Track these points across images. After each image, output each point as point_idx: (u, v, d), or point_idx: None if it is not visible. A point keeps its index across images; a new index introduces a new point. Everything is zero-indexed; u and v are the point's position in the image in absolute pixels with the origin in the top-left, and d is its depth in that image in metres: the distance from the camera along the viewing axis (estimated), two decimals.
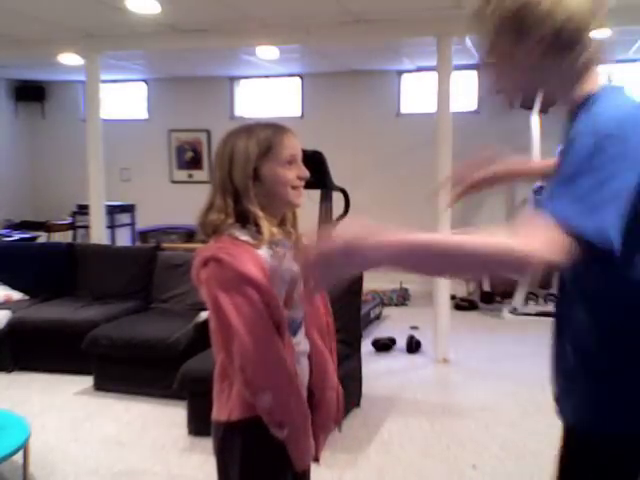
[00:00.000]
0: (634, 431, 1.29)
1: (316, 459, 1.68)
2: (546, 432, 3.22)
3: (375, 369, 4.68)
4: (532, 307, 6.29)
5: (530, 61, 1.32)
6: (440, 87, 4.97)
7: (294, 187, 1.65)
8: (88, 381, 4.36)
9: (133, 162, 8.42)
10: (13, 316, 4.69)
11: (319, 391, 1.74)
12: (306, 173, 1.68)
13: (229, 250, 1.54)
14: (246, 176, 1.59)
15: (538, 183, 6.19)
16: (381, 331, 5.72)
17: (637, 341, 1.28)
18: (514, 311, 6.29)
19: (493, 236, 1.15)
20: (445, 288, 5.08)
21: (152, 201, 8.22)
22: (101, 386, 4.31)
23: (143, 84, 8.45)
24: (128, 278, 5.10)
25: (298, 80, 7.91)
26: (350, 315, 3.93)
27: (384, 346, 5.24)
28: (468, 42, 5.51)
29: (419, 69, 7.29)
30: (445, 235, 1.19)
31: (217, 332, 1.59)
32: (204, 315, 4.06)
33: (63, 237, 7.55)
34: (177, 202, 8.03)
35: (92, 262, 5.29)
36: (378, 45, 6.19)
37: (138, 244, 7.77)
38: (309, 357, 1.74)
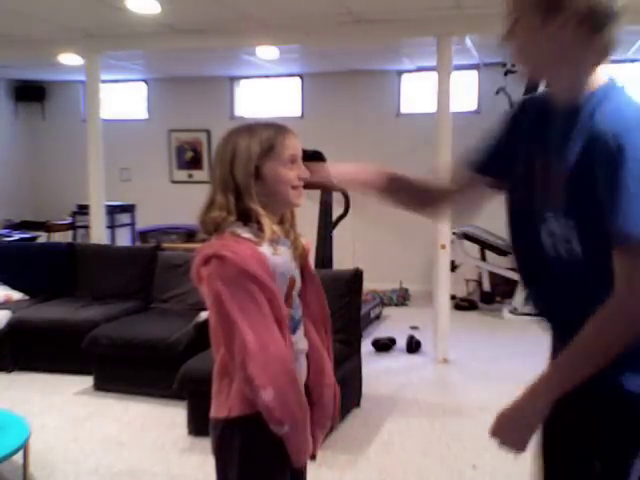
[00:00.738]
0: None
1: (313, 456, 1.69)
2: None
3: (375, 369, 4.68)
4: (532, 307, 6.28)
5: (557, 38, 1.30)
6: (440, 87, 4.97)
7: (294, 187, 1.66)
8: (88, 381, 4.36)
9: (133, 162, 8.42)
10: (13, 316, 4.69)
11: (316, 389, 1.75)
12: (306, 173, 1.69)
13: (232, 247, 1.54)
14: (248, 174, 1.60)
15: None
16: (381, 331, 5.72)
17: None
18: (514, 311, 6.29)
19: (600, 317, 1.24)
20: (445, 288, 5.08)
21: (152, 201, 8.22)
22: (101, 386, 4.31)
23: (143, 84, 8.45)
24: (128, 278, 5.10)
25: (298, 80, 7.91)
26: (350, 315, 3.92)
27: (384, 346, 5.24)
28: (468, 42, 5.51)
29: (419, 69, 7.29)
30: (568, 350, 1.29)
31: (218, 328, 1.59)
32: (204, 315, 4.05)
33: (63, 237, 7.55)
34: (177, 202, 8.03)
35: (92, 262, 5.29)
36: (378, 45, 6.19)
37: (138, 244, 7.77)
38: (307, 356, 1.75)
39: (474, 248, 6.81)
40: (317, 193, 5.23)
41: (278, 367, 1.54)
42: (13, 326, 4.64)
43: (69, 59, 6.16)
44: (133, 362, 4.22)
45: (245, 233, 1.59)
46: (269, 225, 1.59)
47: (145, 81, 8.41)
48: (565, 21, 1.28)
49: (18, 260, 5.43)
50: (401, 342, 5.31)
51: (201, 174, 8.19)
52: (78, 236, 7.61)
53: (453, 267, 6.06)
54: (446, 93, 4.95)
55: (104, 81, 6.17)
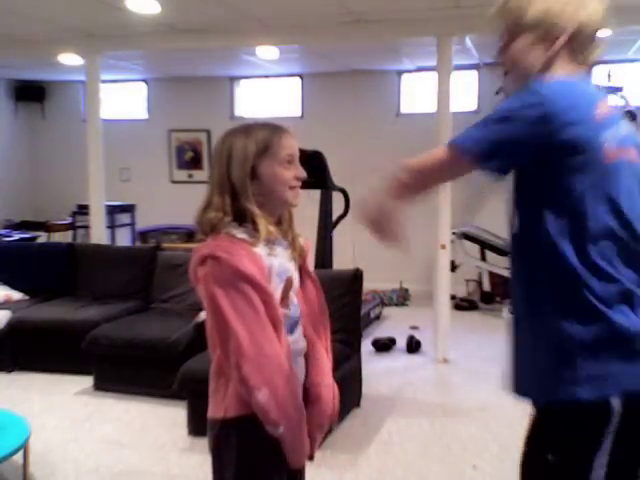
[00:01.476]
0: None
1: (311, 457, 1.69)
2: None
3: (375, 369, 4.68)
4: None
5: (544, 58, 1.47)
6: (440, 87, 4.97)
7: (291, 187, 1.65)
8: (88, 381, 4.36)
9: (133, 162, 8.42)
10: (13, 316, 4.69)
11: (315, 389, 1.74)
12: (303, 173, 1.68)
13: (227, 248, 1.54)
14: (244, 174, 1.60)
15: None
16: (381, 331, 5.72)
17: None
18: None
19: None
20: (445, 288, 5.09)
21: (152, 201, 8.22)
22: (101, 386, 4.31)
23: (143, 84, 8.45)
24: (128, 278, 5.10)
25: (298, 80, 7.91)
26: (350, 315, 3.92)
27: (384, 346, 5.24)
28: (468, 42, 5.51)
29: (419, 69, 7.29)
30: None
31: (214, 329, 1.59)
32: (204, 315, 4.04)
33: (63, 237, 7.55)
34: (177, 202, 8.02)
35: (92, 262, 5.29)
36: (378, 45, 6.19)
37: (138, 244, 7.77)
38: (306, 356, 1.75)
39: (474, 248, 6.80)
40: (317, 193, 5.23)
41: (273, 368, 1.54)
42: (13, 326, 4.64)
43: (69, 59, 6.16)
44: (133, 362, 4.22)
45: (240, 234, 1.59)
46: (264, 225, 1.59)
47: (145, 81, 8.41)
48: (551, 39, 1.45)
49: (18, 260, 5.43)
50: (401, 342, 5.31)
51: (201, 174, 8.19)
52: (78, 236, 7.61)
53: (453, 267, 6.06)
54: (446, 93, 4.95)
55: (104, 81, 6.17)
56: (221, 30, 5.41)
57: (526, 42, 1.49)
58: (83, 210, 6.76)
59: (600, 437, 1.34)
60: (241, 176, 1.60)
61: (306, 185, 1.73)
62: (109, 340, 4.24)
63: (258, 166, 1.61)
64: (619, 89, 5.92)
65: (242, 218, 1.60)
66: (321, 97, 7.78)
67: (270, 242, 1.62)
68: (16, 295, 5.17)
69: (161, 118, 8.36)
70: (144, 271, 5.09)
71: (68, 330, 4.52)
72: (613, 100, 5.69)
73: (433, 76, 5.27)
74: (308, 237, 1.86)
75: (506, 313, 6.44)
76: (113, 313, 4.71)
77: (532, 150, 1.35)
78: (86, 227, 6.53)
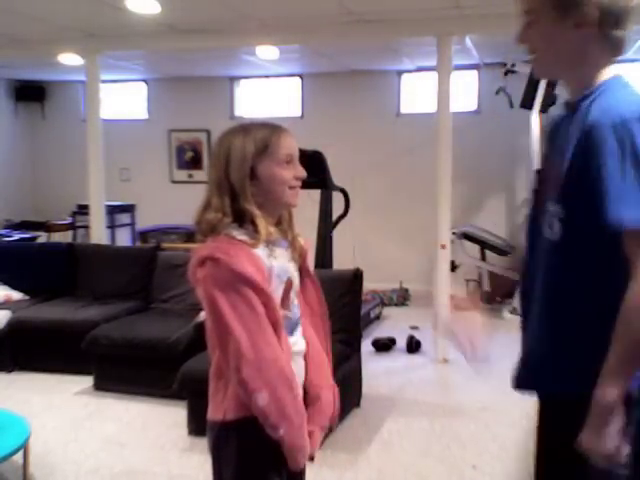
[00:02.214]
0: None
1: (311, 458, 1.68)
2: None
3: (375, 369, 4.68)
4: None
5: (571, 36, 1.36)
6: (440, 87, 4.97)
7: (291, 187, 1.64)
8: (88, 381, 4.36)
9: (133, 162, 8.42)
10: (13, 316, 4.69)
11: (315, 390, 1.74)
12: (303, 173, 1.67)
13: (226, 250, 1.53)
14: (243, 175, 1.59)
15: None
16: (381, 331, 5.72)
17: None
18: (514, 311, 6.28)
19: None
20: (445, 288, 5.08)
21: (152, 201, 8.22)
22: (101, 386, 4.31)
23: (143, 84, 8.44)
24: (128, 278, 5.10)
25: (298, 80, 7.91)
26: (350, 315, 3.92)
27: (384, 346, 5.24)
28: (468, 42, 5.51)
29: (419, 69, 7.29)
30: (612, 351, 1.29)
31: (213, 331, 1.59)
32: (204, 315, 4.05)
33: (63, 237, 7.55)
34: (177, 202, 8.02)
35: (92, 262, 5.29)
36: (378, 45, 6.19)
37: (138, 244, 7.77)
38: (305, 357, 1.74)
39: (474, 248, 6.80)
40: (317, 193, 5.23)
41: (273, 371, 1.53)
42: (13, 326, 4.64)
43: (69, 59, 6.16)
44: (133, 362, 4.22)
45: (240, 235, 1.58)
46: (264, 226, 1.58)
47: (145, 81, 8.41)
48: (580, 20, 1.33)
49: (18, 260, 5.43)
50: (401, 342, 5.31)
51: (201, 174, 8.18)
52: (78, 236, 7.61)
53: (453, 267, 6.06)
54: (446, 93, 4.95)
55: (104, 81, 6.18)
56: (221, 30, 5.41)
57: (554, 21, 1.38)
58: (83, 210, 6.77)
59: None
60: (240, 176, 1.58)
61: (306, 185, 1.72)
62: (109, 340, 4.24)
63: (257, 166, 1.60)
64: None
65: (242, 219, 1.59)
66: (321, 97, 7.78)
67: (270, 243, 1.61)
68: (16, 295, 5.16)
69: (161, 118, 8.36)
70: (144, 271, 5.09)
71: (68, 330, 4.52)
72: None
73: (433, 76, 5.27)
74: (308, 237, 1.85)
75: (506, 313, 6.47)
76: (113, 313, 4.70)
77: None
78: (86, 227, 6.53)
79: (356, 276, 3.99)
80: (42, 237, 7.55)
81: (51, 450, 3.43)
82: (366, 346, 4.92)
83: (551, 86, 6.15)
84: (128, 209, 7.93)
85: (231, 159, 1.59)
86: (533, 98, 6.18)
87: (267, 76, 7.90)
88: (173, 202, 8.11)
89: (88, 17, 5.14)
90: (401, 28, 5.15)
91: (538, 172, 1.54)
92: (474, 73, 7.24)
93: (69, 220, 7.81)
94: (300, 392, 1.67)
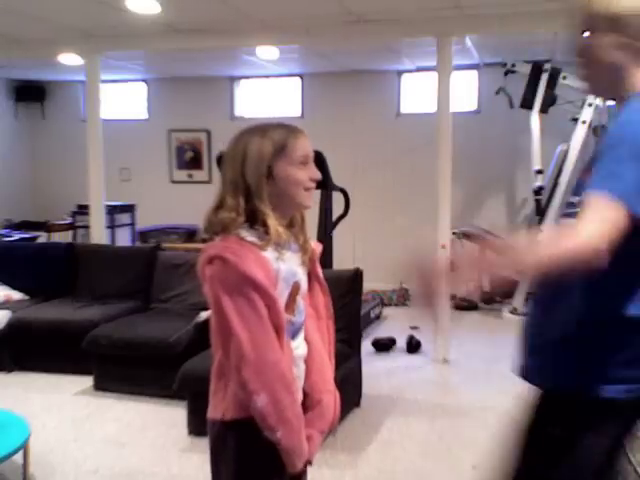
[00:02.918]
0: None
1: (309, 462, 1.68)
2: None
3: (375, 369, 4.68)
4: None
5: (620, 51, 1.41)
6: (440, 87, 4.97)
7: (306, 188, 1.64)
8: (88, 381, 4.36)
9: (133, 162, 8.42)
10: (13, 316, 4.69)
11: (316, 394, 1.73)
12: (318, 175, 1.67)
13: (235, 250, 1.53)
14: (259, 175, 1.58)
15: (538, 183, 6.20)
16: (381, 331, 5.72)
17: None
18: (514, 311, 6.29)
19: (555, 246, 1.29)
20: (445, 288, 5.07)
21: (152, 201, 8.22)
22: (101, 386, 4.31)
23: (143, 84, 8.45)
24: (128, 278, 5.09)
25: (298, 80, 7.91)
26: (350, 315, 3.92)
27: (384, 346, 5.24)
28: (468, 42, 5.51)
29: (419, 69, 7.29)
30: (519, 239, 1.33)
31: (217, 330, 1.59)
32: (204, 315, 4.06)
33: (63, 237, 7.55)
34: (177, 202, 8.03)
35: (92, 262, 5.28)
36: (378, 45, 6.19)
37: (138, 244, 7.76)
38: (307, 361, 1.74)
39: (474, 248, 6.79)
40: (317, 193, 5.23)
41: (273, 374, 1.53)
42: (13, 326, 4.64)
43: (69, 59, 6.16)
44: (133, 362, 4.21)
45: (250, 236, 1.57)
46: (275, 227, 1.57)
47: (145, 81, 8.41)
48: (629, 39, 1.40)
49: (18, 260, 5.42)
50: (401, 342, 5.31)
51: (201, 174, 8.19)
52: (78, 236, 7.60)
53: (453, 267, 6.05)
54: (446, 93, 4.95)
55: (104, 81, 6.17)
56: (221, 30, 5.41)
57: (609, 39, 1.43)
58: (83, 210, 6.76)
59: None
60: (256, 176, 1.58)
61: (313, 189, 1.72)
62: (109, 340, 4.24)
63: (274, 167, 1.59)
64: None
65: (254, 220, 1.59)
66: (321, 97, 7.78)
67: (279, 246, 1.60)
68: (16, 295, 5.17)
69: (161, 118, 8.36)
70: (144, 271, 5.09)
71: (68, 330, 4.52)
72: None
73: (433, 76, 5.27)
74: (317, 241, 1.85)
75: (506, 313, 6.47)
76: (113, 313, 4.70)
77: None
78: (86, 227, 6.52)
79: (356, 276, 3.99)
80: (42, 237, 7.54)
81: (51, 450, 3.43)
82: (366, 346, 4.92)
83: (551, 86, 6.15)
84: (128, 209, 7.92)
85: (248, 159, 1.59)
86: (533, 98, 6.18)
87: (267, 76, 7.90)
88: (173, 202, 8.11)
89: (88, 17, 5.14)
90: (401, 28, 5.15)
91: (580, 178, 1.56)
92: (474, 73, 7.24)
93: (69, 220, 7.81)
94: (300, 396, 1.67)
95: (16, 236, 7.21)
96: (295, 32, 5.37)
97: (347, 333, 3.82)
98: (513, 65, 6.35)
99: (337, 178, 5.29)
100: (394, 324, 6.05)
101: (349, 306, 3.90)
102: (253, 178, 1.58)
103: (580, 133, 6.07)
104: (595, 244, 1.22)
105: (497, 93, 6.53)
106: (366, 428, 3.72)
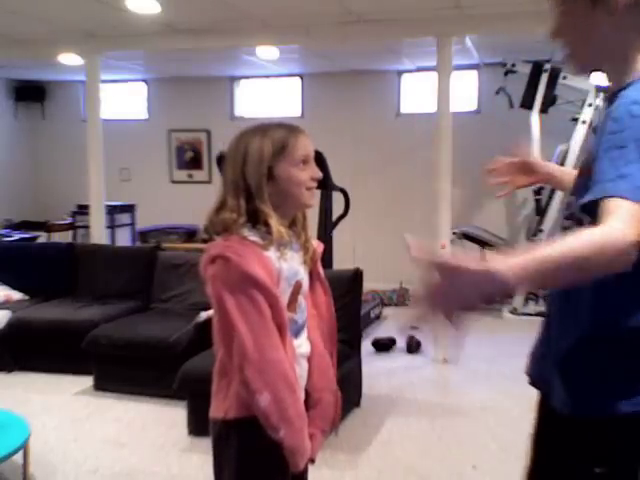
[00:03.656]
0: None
1: (312, 461, 1.68)
2: None
3: (375, 369, 4.68)
4: (532, 307, 6.28)
5: (605, 24, 1.29)
6: (440, 87, 4.97)
7: (308, 188, 1.65)
8: (88, 381, 4.36)
9: (133, 162, 8.42)
10: (13, 316, 4.69)
11: (318, 393, 1.74)
12: (319, 174, 1.67)
13: (237, 250, 1.53)
14: (260, 175, 1.58)
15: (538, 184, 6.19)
16: (381, 331, 5.72)
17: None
18: (514, 311, 6.29)
19: (585, 236, 1.13)
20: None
21: (152, 201, 8.22)
22: (101, 386, 4.31)
23: (143, 84, 8.45)
24: (128, 278, 5.09)
25: (298, 80, 7.91)
26: (350, 315, 3.92)
27: (384, 346, 5.24)
28: (468, 42, 5.51)
29: (419, 69, 7.29)
30: (553, 247, 1.15)
31: (219, 330, 1.59)
32: (204, 315, 4.06)
33: (63, 237, 7.55)
34: (177, 202, 8.03)
35: (92, 262, 5.28)
36: (378, 45, 6.19)
37: (138, 244, 7.77)
38: (309, 359, 1.74)
39: (474, 248, 6.80)
40: (317, 193, 5.23)
41: (275, 373, 1.53)
42: (13, 326, 4.64)
43: (69, 59, 6.16)
44: (133, 362, 4.21)
45: (252, 236, 1.58)
46: (276, 227, 1.58)
47: (145, 81, 8.41)
48: (612, 7, 1.27)
49: (18, 260, 5.42)
50: (401, 342, 5.31)
51: (201, 174, 8.19)
52: (78, 236, 7.60)
53: None
54: (446, 93, 4.95)
55: (104, 81, 6.17)
56: (221, 30, 5.41)
57: (586, 11, 1.29)
58: (83, 210, 6.76)
59: None
60: (257, 177, 1.58)
61: (315, 188, 1.72)
62: (109, 340, 4.24)
63: (274, 167, 1.60)
64: None
65: (255, 219, 1.59)
66: (321, 97, 7.78)
67: (281, 245, 1.60)
68: (16, 295, 5.16)
69: (161, 118, 8.36)
70: (144, 271, 5.09)
71: (68, 330, 4.52)
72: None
73: (433, 76, 5.27)
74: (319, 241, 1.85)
75: (506, 313, 6.47)
76: (113, 313, 4.71)
77: None
78: (86, 227, 6.52)
79: (356, 276, 3.99)
80: (42, 237, 7.54)
81: (51, 450, 3.43)
82: (366, 346, 4.92)
83: (551, 86, 6.15)
84: (128, 209, 7.92)
85: (248, 159, 1.59)
86: (533, 98, 6.19)
87: (267, 76, 7.90)
88: (173, 202, 8.11)
89: (88, 17, 5.14)
90: (401, 28, 5.15)
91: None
92: (474, 73, 7.24)
93: (69, 220, 7.81)
94: (302, 395, 1.68)
95: (16, 236, 7.22)
96: (295, 32, 5.37)
97: (347, 333, 3.82)
98: (513, 65, 6.35)
99: (337, 178, 5.29)
100: (394, 324, 6.05)
101: (349, 306, 3.90)
102: (254, 178, 1.58)
103: (580, 133, 6.07)
104: (630, 236, 1.08)
105: (497, 93, 6.53)
106: (366, 428, 3.72)
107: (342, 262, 5.40)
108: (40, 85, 8.61)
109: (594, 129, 5.82)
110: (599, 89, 5.98)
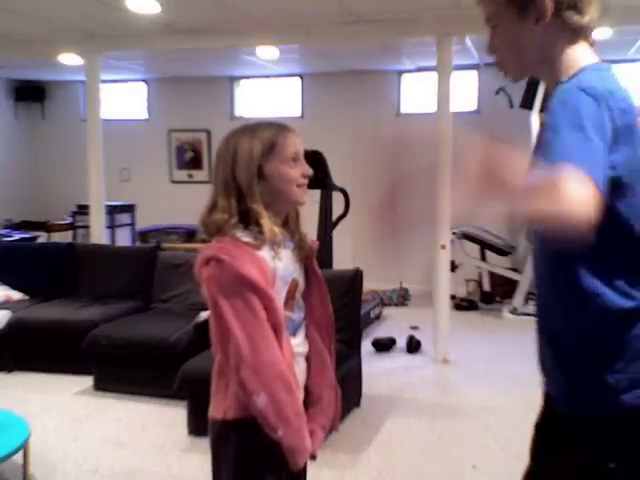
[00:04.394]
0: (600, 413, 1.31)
1: (313, 457, 1.69)
2: None
3: (375, 369, 4.68)
4: (532, 307, 6.29)
5: (535, 31, 1.33)
6: (440, 87, 4.97)
7: (299, 185, 1.65)
8: (88, 381, 4.36)
9: (133, 162, 8.42)
10: (13, 316, 4.69)
11: (318, 390, 1.74)
12: (310, 171, 1.68)
13: (230, 251, 1.54)
14: (250, 175, 1.59)
15: None
16: (381, 331, 5.72)
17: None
18: (514, 311, 6.29)
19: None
20: (445, 288, 5.08)
21: (152, 201, 8.22)
22: (101, 386, 4.31)
23: (143, 84, 8.45)
24: (128, 278, 5.09)
25: (298, 80, 7.91)
26: (350, 315, 3.92)
27: (384, 346, 5.24)
28: (468, 42, 5.51)
29: (419, 69, 7.29)
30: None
31: (215, 331, 1.59)
32: (204, 315, 4.05)
33: (63, 237, 7.55)
34: (177, 202, 8.03)
35: (92, 262, 5.28)
36: (378, 45, 6.19)
37: (138, 244, 7.77)
38: (308, 357, 1.74)
39: (474, 248, 6.80)
40: (317, 193, 5.23)
41: (271, 373, 1.53)
42: (13, 326, 4.64)
43: (69, 59, 6.16)
44: (133, 362, 4.21)
45: (245, 237, 1.58)
46: (269, 226, 1.58)
47: (145, 81, 8.41)
48: (539, 14, 1.31)
49: (18, 260, 5.43)
50: (401, 342, 5.31)
51: (201, 174, 8.19)
52: (78, 236, 7.61)
53: (453, 267, 6.06)
54: (446, 93, 4.95)
55: (104, 81, 6.17)
56: (221, 30, 5.40)
57: (515, 22, 1.35)
58: (83, 210, 6.76)
59: None
60: (247, 177, 1.59)
61: (306, 185, 1.73)
62: (109, 340, 4.24)
63: (264, 166, 1.60)
64: None
65: (248, 220, 1.59)
66: (321, 97, 7.78)
67: (275, 244, 1.61)
68: (16, 295, 5.16)
69: (161, 118, 8.36)
70: (144, 271, 5.09)
71: (68, 330, 4.51)
72: None
73: (433, 76, 5.27)
74: (314, 237, 1.85)
75: (506, 313, 6.47)
76: (113, 313, 4.70)
77: None
78: (86, 227, 6.52)
79: (356, 276, 3.99)
80: (42, 237, 7.54)
81: (51, 450, 3.43)
82: (366, 346, 4.92)
83: None
84: (128, 209, 7.92)
85: (238, 160, 1.59)
86: (533, 98, 6.18)
87: (267, 76, 7.90)
88: (173, 202, 8.11)
89: (88, 17, 5.13)
90: (401, 28, 5.15)
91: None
92: (474, 73, 7.24)
93: (69, 220, 7.81)
94: (301, 394, 1.68)
95: (16, 236, 7.21)
96: (295, 32, 5.37)
97: (347, 333, 3.82)
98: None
99: (337, 178, 5.29)
100: (394, 324, 6.05)
101: (349, 306, 3.90)
102: (244, 178, 1.59)
103: None
104: (585, 211, 1.06)
105: (497, 93, 6.53)
106: (366, 428, 3.72)
107: (342, 262, 5.41)
108: (40, 85, 8.61)
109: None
110: None
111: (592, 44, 1.37)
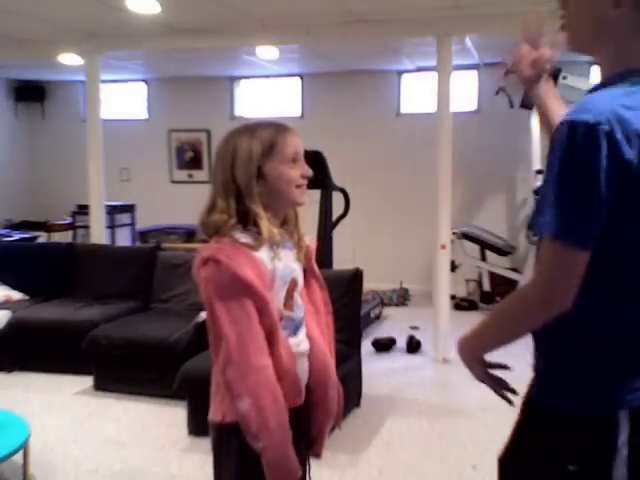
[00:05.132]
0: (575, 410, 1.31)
1: (318, 455, 1.68)
2: None
3: (375, 369, 4.68)
4: None
5: (610, 9, 1.24)
6: (440, 87, 4.97)
7: (298, 186, 1.64)
8: (88, 381, 4.36)
9: (133, 162, 8.42)
10: (13, 316, 4.69)
11: (320, 389, 1.74)
12: (309, 171, 1.67)
13: (228, 252, 1.53)
14: (249, 175, 1.58)
15: (538, 183, 6.20)
16: (381, 331, 5.72)
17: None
18: None
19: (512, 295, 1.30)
20: (445, 288, 5.09)
21: (152, 201, 8.22)
22: (101, 386, 4.31)
23: (143, 84, 8.45)
24: (128, 278, 5.10)
25: (298, 80, 7.91)
26: (350, 315, 3.92)
27: (384, 346, 5.24)
28: (468, 42, 5.51)
29: (419, 69, 7.29)
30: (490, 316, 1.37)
31: (210, 332, 1.59)
32: (204, 315, 4.04)
33: (63, 237, 7.55)
34: (177, 202, 8.03)
35: (92, 262, 5.29)
36: (378, 45, 6.19)
37: (138, 244, 7.77)
38: (309, 356, 1.74)
39: (474, 248, 6.80)
40: (317, 193, 5.23)
41: (258, 378, 1.51)
42: (13, 326, 4.64)
43: (69, 59, 6.16)
44: (133, 362, 4.22)
45: (244, 238, 1.57)
46: (267, 227, 1.57)
47: (145, 81, 8.41)
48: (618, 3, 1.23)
49: (18, 260, 5.43)
50: (401, 342, 5.31)
51: (201, 174, 8.19)
52: (78, 236, 7.60)
53: (453, 267, 6.06)
54: (446, 93, 4.95)
55: (104, 81, 6.17)
56: (221, 30, 5.40)
57: None
58: (83, 210, 6.77)
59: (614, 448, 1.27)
60: (246, 177, 1.58)
61: (306, 185, 1.72)
62: (109, 340, 4.24)
63: (264, 166, 1.59)
64: None
65: (246, 220, 1.59)
66: (321, 97, 7.78)
67: (274, 244, 1.60)
68: (16, 295, 5.17)
69: (161, 118, 8.36)
70: (144, 271, 5.09)
71: (68, 330, 4.52)
72: None
73: (433, 76, 5.27)
74: (313, 237, 1.85)
75: None
76: (113, 313, 4.71)
77: None
78: (86, 227, 6.53)
79: (356, 276, 3.99)
80: (42, 237, 7.54)
81: (51, 450, 3.43)
82: (366, 346, 4.92)
83: None
84: (128, 209, 7.92)
85: (237, 160, 1.59)
86: (533, 98, 6.18)
87: (267, 76, 7.90)
88: (173, 202, 8.11)
89: (88, 17, 5.14)
90: (401, 28, 5.15)
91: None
92: (474, 73, 7.24)
93: (69, 220, 7.81)
94: (303, 393, 1.68)
95: (16, 236, 7.21)
96: (295, 32, 5.37)
97: (347, 333, 3.82)
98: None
99: (337, 178, 5.29)
100: (394, 324, 6.05)
101: (349, 306, 3.90)
102: (243, 179, 1.58)
103: None
104: (540, 293, 1.18)
105: (497, 93, 6.53)
106: (366, 428, 3.72)
107: (342, 262, 5.41)
108: (40, 85, 8.61)
109: None
110: None
111: None
